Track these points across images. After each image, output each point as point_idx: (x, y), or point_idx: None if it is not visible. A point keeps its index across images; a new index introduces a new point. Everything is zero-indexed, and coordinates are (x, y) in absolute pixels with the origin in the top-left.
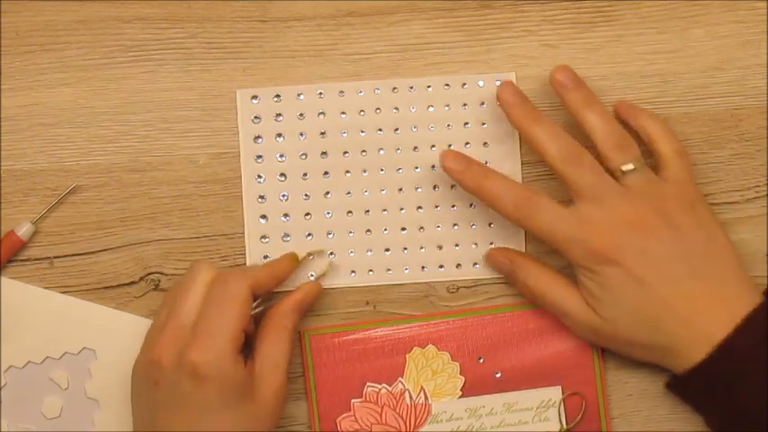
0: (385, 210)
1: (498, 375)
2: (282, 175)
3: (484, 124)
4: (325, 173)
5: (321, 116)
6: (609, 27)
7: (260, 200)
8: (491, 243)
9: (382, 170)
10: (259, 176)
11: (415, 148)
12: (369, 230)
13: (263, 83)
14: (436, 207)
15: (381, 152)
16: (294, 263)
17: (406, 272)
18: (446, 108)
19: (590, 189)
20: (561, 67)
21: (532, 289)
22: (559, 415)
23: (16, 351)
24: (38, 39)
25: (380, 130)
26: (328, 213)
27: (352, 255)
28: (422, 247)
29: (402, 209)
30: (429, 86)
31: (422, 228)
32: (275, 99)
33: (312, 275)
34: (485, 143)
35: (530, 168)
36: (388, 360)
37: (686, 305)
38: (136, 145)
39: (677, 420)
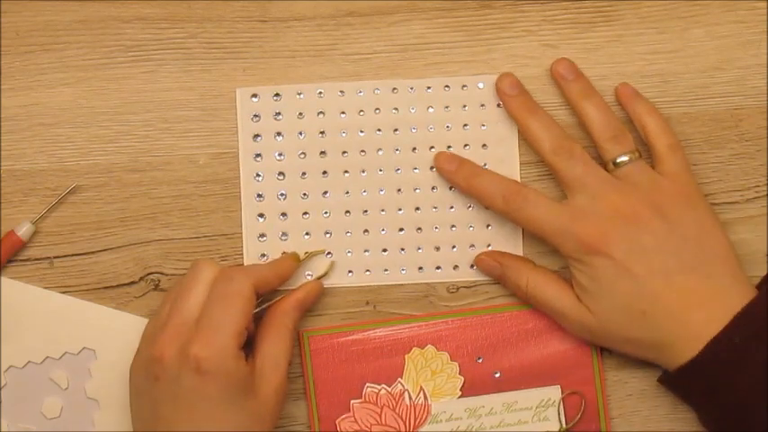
0: (383, 210)
1: (497, 375)
2: (281, 173)
3: (483, 126)
4: (324, 172)
5: (320, 116)
6: (609, 27)
7: (258, 198)
8: (488, 245)
9: (381, 170)
10: (258, 175)
11: (414, 148)
12: (366, 230)
13: (263, 83)
14: (434, 208)
15: (380, 152)
16: (296, 262)
17: (404, 272)
18: (446, 109)
19: (581, 180)
20: (562, 60)
21: (525, 290)
22: (559, 414)
23: (16, 351)
24: (38, 39)
25: (380, 130)
26: (326, 213)
27: (349, 255)
28: (419, 248)
29: (400, 209)
30: (429, 87)
31: (420, 228)
32: (275, 98)
33: (309, 275)
34: (484, 145)
35: (529, 169)
36: (388, 360)
37: (678, 299)
38: (136, 145)
39: (677, 420)
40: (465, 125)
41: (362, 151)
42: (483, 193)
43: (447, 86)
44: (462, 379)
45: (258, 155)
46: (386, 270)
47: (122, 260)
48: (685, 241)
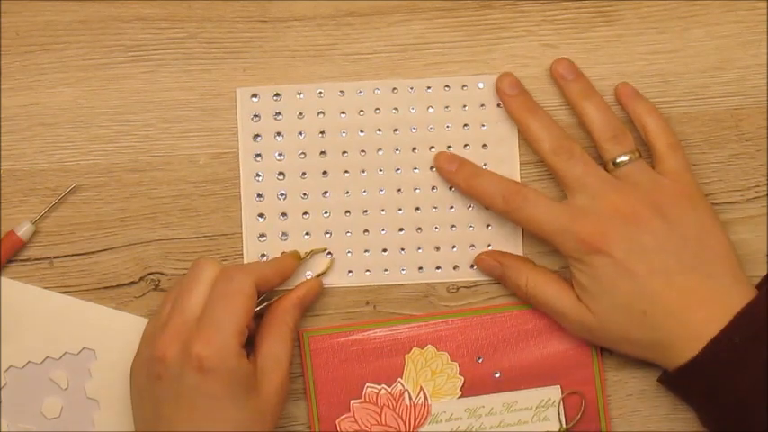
0: (383, 210)
1: (497, 375)
2: (281, 173)
3: (483, 126)
4: (324, 172)
5: (320, 116)
6: (609, 27)
7: (258, 198)
8: (488, 245)
9: (381, 170)
10: (258, 175)
11: (414, 148)
12: (366, 230)
13: (263, 83)
14: (434, 208)
15: (380, 152)
16: (297, 260)
17: (404, 272)
18: (446, 109)
19: (581, 180)
20: (562, 60)
21: (524, 289)
22: (559, 414)
23: (16, 351)
24: (38, 39)
25: (380, 130)
26: (326, 213)
27: (349, 255)
28: (419, 248)
29: (400, 209)
30: (429, 87)
31: (419, 229)
32: (275, 98)
33: (309, 274)
34: (484, 145)
35: (529, 169)
36: (388, 360)
37: (678, 299)
38: (136, 145)
39: (677, 420)
40: (465, 125)
41: (362, 151)
42: (483, 194)
43: (447, 86)
44: (462, 379)
45: (258, 155)
46: (386, 270)
47: (122, 260)
48: (685, 241)
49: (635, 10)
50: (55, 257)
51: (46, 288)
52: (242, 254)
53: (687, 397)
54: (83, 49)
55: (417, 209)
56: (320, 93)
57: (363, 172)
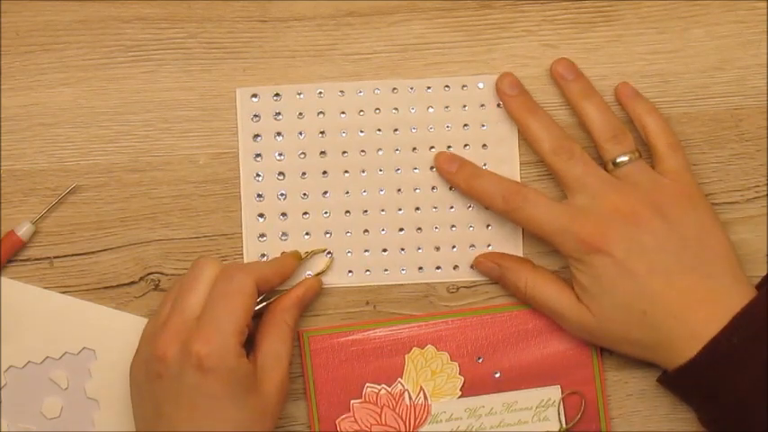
0: (383, 210)
1: (497, 375)
2: (281, 173)
3: (483, 126)
4: (324, 172)
5: (320, 116)
6: (609, 27)
7: (258, 198)
8: (488, 245)
9: (381, 170)
10: (258, 175)
11: (414, 148)
12: (366, 230)
13: (263, 83)
14: (434, 208)
15: (380, 152)
16: (297, 260)
17: (404, 272)
18: (446, 109)
19: (581, 180)
20: (561, 60)
21: (524, 291)
22: (559, 414)
23: (16, 351)
24: (38, 39)
25: (380, 130)
26: (326, 213)
27: (349, 255)
28: (419, 248)
29: (400, 209)
30: (429, 87)
31: (419, 229)
32: (275, 98)
33: (309, 274)
34: (484, 145)
35: (529, 169)
36: (388, 360)
37: (678, 299)
38: (136, 145)
39: (677, 420)
40: (465, 125)
41: (362, 151)
42: (483, 194)
43: (447, 86)
44: (462, 379)
45: (258, 155)
46: (386, 270)
47: (122, 260)
48: (685, 241)
49: (635, 10)
50: (55, 257)
51: (46, 288)
52: (242, 254)
53: (687, 397)
54: (83, 49)
55: (417, 209)
56: (320, 93)
57: (363, 172)
